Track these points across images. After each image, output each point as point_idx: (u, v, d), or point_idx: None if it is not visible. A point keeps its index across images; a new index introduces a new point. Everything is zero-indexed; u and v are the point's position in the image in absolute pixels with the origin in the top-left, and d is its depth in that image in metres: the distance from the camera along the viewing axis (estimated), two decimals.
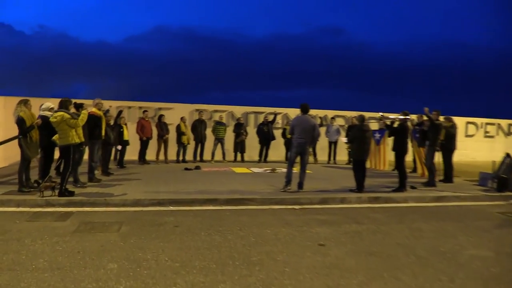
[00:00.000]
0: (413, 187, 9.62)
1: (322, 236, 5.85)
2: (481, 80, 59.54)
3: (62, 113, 7.64)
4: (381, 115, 9.49)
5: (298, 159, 8.91)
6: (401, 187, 9.16)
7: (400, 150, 9.22)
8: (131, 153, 14.42)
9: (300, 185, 8.82)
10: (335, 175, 12.07)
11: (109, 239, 5.41)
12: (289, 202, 8.02)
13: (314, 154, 16.01)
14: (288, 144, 15.82)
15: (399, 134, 9.19)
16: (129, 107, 16.20)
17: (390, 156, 13.95)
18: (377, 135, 14.42)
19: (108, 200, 7.48)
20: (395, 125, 9.81)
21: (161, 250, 4.99)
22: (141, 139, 13.92)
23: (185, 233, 5.79)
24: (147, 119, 14.13)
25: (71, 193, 7.69)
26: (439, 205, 8.54)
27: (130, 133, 13.61)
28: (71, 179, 8.29)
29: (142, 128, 13.87)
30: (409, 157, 13.50)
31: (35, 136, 8.13)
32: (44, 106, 8.31)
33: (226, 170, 12.92)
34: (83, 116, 8.00)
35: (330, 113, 18.04)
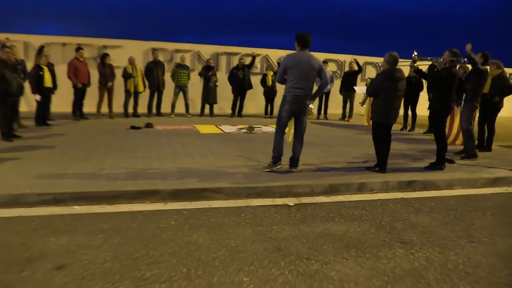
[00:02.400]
0: (450, 161, 6.71)
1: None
2: None
3: None
4: (416, 56, 6.26)
5: (291, 121, 5.79)
6: (439, 163, 6.25)
7: (441, 109, 6.18)
8: (64, 105, 10.98)
9: (295, 162, 5.77)
10: (333, 138, 9.04)
11: None
12: (278, 193, 5.00)
13: (325, 110, 12.91)
14: (269, 94, 12.58)
15: (442, 85, 6.09)
16: (64, 44, 12.46)
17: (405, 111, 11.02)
18: None
19: None
20: (423, 69, 6.70)
21: None
22: (74, 86, 10.41)
23: None
24: (82, 60, 10.54)
25: None
26: (499, 193, 5.69)
27: (62, 78, 10.11)
28: None
29: (75, 72, 10.33)
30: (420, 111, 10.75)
31: None
32: None
33: (188, 129, 9.70)
34: None
35: (319, 56, 14.69)
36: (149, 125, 9.62)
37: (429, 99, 7.00)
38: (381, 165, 5.84)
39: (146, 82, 11.71)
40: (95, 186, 4.71)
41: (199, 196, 4.74)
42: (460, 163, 6.83)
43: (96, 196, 4.50)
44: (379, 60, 14.54)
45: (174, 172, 5.42)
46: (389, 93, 5.60)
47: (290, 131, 5.89)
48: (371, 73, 14.89)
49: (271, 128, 10.12)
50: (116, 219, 4.02)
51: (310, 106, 5.69)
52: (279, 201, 4.85)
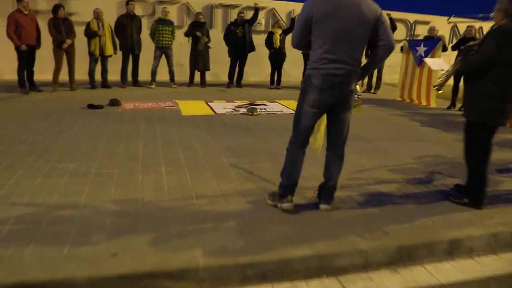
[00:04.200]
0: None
1: None
2: None
3: None
4: None
5: (321, 121, 3.26)
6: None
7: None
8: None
9: (328, 195, 3.20)
10: (366, 123, 6.45)
11: None
12: (301, 272, 2.56)
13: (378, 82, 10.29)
14: (276, 58, 9.93)
15: None
16: None
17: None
18: (421, 49, 8.66)
19: None
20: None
21: None
22: (17, 48, 7.81)
23: None
24: (26, 12, 7.85)
25: None
26: None
27: None
28: None
29: (17, 29, 7.70)
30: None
31: None
32: None
33: (167, 107, 7.17)
34: None
35: None
36: (114, 103, 7.09)
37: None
38: (476, 196, 3.36)
39: (117, 43, 9.06)
40: None
41: None
42: None
43: None
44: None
45: (104, 216, 2.97)
46: (508, 71, 3.01)
47: (318, 137, 3.40)
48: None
49: (279, 106, 7.58)
50: None
51: (357, 92, 3.15)
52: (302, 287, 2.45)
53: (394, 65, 10.45)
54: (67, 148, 4.51)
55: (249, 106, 7.34)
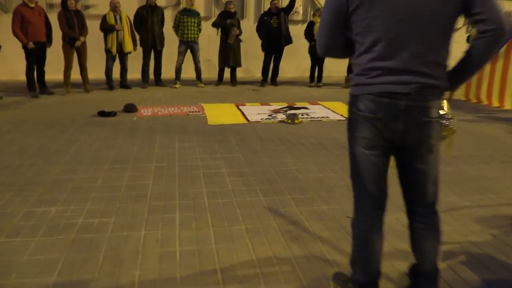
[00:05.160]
0: None
1: None
2: None
3: None
4: None
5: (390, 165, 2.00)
6: None
7: None
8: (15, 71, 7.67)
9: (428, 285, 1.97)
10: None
11: None
12: None
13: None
14: (316, 50, 8.60)
15: None
16: None
17: None
18: None
19: None
20: None
21: None
22: (24, 46, 6.90)
23: None
24: (32, 6, 6.90)
25: None
26: None
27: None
28: None
29: (23, 24, 6.79)
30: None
31: None
32: None
33: (191, 113, 6.07)
34: None
35: None
36: (129, 109, 6.05)
37: None
38: None
39: (137, 38, 8.04)
40: None
41: None
42: None
43: None
44: None
45: None
46: None
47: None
48: None
49: (324, 110, 6.35)
50: None
51: (445, 116, 1.87)
52: None
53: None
54: (57, 178, 3.47)
55: (288, 111, 6.14)
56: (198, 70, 8.48)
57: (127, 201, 3.05)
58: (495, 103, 7.26)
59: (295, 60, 9.69)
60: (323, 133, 5.06)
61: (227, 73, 8.83)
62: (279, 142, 4.67)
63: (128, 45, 7.80)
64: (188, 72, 8.56)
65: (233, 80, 8.79)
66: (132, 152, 4.20)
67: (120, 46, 7.70)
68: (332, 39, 1.72)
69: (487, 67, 7.24)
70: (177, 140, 4.65)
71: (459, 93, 8.14)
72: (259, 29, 8.60)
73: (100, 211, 2.88)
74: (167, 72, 8.47)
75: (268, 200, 3.12)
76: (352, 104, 1.73)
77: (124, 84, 8.05)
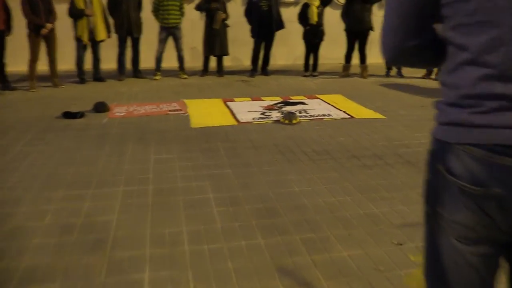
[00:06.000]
0: None
1: None
2: None
3: None
4: None
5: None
6: None
7: None
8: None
9: None
10: None
11: None
12: None
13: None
14: (312, 37, 7.82)
15: None
16: None
17: None
18: None
19: None
20: None
21: None
22: None
23: None
24: None
25: None
26: None
27: None
28: None
29: None
30: None
31: None
32: None
33: (171, 111, 5.25)
34: None
35: None
36: (99, 108, 5.20)
37: None
38: None
39: (111, 23, 7.13)
40: None
41: None
42: None
43: None
44: None
45: None
46: None
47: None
48: None
49: (324, 106, 5.59)
50: None
51: None
52: None
53: None
54: None
55: (284, 108, 5.37)
56: (180, 59, 7.61)
57: (80, 250, 2.27)
58: None
59: (286, 47, 8.86)
60: (327, 137, 4.30)
61: (213, 62, 7.98)
62: (276, 150, 3.91)
63: (101, 33, 6.89)
64: (171, 61, 7.68)
65: (220, 70, 7.94)
66: (97, 169, 3.39)
67: (91, 33, 6.78)
68: (411, 35, 0.95)
69: None
70: (153, 150, 3.84)
71: None
72: (248, 13, 7.73)
73: (42, 270, 2.10)
74: (148, 61, 7.59)
75: (269, 243, 2.37)
76: (437, 157, 0.96)
77: (97, 76, 7.17)
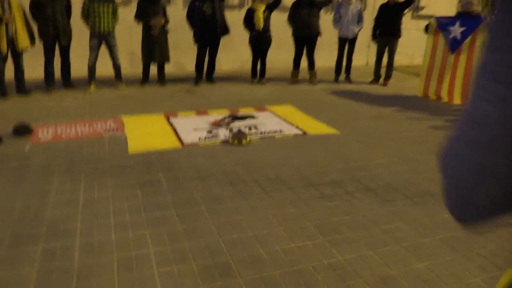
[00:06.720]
0: None
1: None
2: None
3: None
4: None
5: None
6: None
7: None
8: None
9: None
10: (407, 147, 4.23)
11: None
12: None
13: (348, 68, 7.95)
14: (259, 43, 7.47)
15: None
16: None
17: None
18: (457, 29, 6.39)
19: None
20: None
21: None
22: None
23: None
24: None
25: None
26: None
27: None
28: None
29: None
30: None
31: None
32: None
33: (107, 134, 4.68)
34: None
35: None
36: (20, 131, 4.53)
37: None
38: None
39: (35, 29, 6.37)
40: None
41: None
42: None
43: None
44: None
45: None
46: None
47: None
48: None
49: (275, 120, 5.25)
50: None
51: None
52: None
53: (403, 45, 8.14)
54: None
55: (232, 124, 4.98)
56: (117, 68, 6.97)
57: None
58: (457, 101, 6.58)
59: (232, 51, 8.46)
60: (280, 160, 3.97)
61: (153, 69, 7.41)
62: (225, 180, 3.50)
63: (23, 40, 6.11)
64: (107, 68, 7.03)
65: (161, 78, 7.39)
66: (11, 218, 2.82)
67: (12, 42, 6.00)
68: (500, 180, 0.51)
69: (449, 61, 6.54)
70: (83, 187, 3.31)
71: (410, 86, 7.49)
72: (190, 17, 7.23)
73: None
74: (81, 69, 6.89)
75: None
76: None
77: (22, 89, 6.38)
